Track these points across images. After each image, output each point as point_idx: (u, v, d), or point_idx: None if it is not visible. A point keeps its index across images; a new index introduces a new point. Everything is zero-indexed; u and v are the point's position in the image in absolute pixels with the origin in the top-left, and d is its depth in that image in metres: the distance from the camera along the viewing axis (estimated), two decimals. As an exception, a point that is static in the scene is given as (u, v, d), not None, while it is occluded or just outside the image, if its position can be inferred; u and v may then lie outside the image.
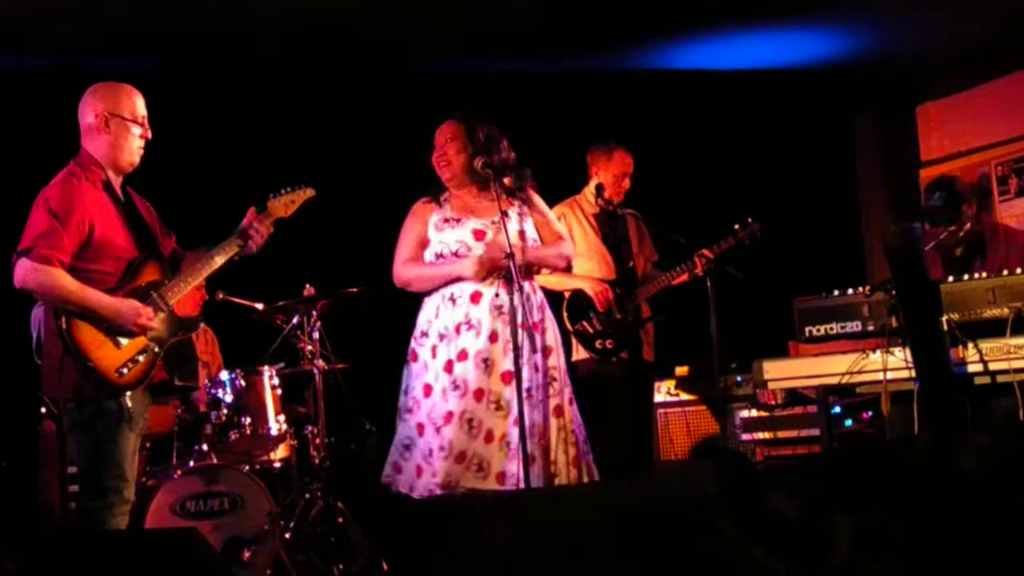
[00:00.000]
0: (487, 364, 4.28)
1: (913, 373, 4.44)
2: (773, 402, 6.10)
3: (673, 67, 7.18)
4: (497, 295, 4.32)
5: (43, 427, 5.37)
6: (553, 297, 5.59)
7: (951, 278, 4.56)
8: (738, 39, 6.81)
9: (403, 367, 4.50)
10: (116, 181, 3.88)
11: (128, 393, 3.71)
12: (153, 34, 6.06)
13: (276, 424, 5.12)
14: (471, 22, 6.22)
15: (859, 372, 4.65)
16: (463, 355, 4.31)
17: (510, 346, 4.19)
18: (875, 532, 2.02)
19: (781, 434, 6.02)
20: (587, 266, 5.64)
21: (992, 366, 4.36)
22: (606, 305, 5.51)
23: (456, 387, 4.28)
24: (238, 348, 5.75)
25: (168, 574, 2.62)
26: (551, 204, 5.76)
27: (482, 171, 4.40)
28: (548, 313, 4.52)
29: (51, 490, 5.31)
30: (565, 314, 5.58)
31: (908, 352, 4.46)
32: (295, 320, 5.22)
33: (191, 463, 4.89)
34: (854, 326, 4.72)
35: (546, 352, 4.38)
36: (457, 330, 4.34)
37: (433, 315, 4.41)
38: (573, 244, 5.68)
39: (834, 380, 4.75)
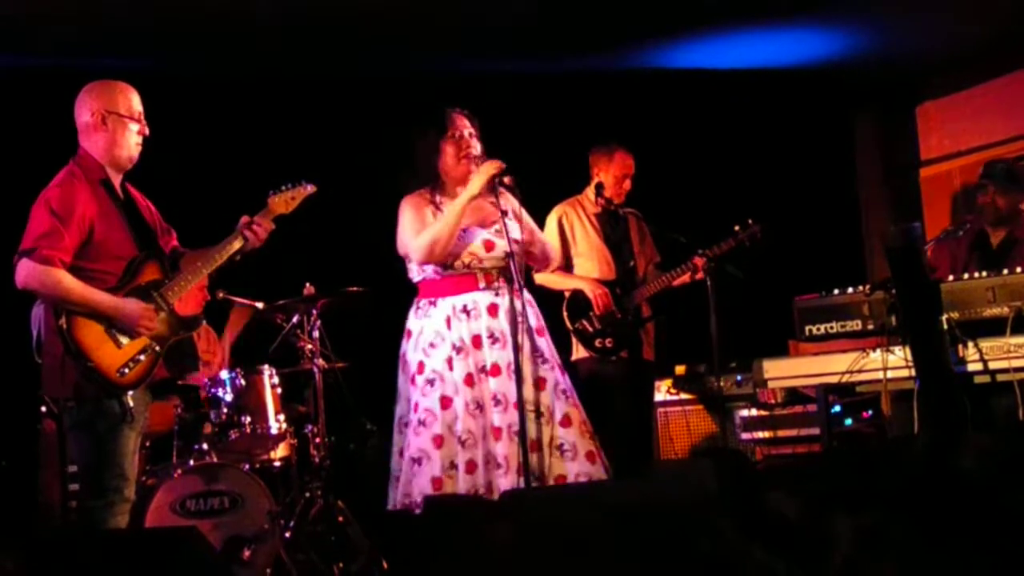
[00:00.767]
0: (520, 375, 4.23)
1: (913, 372, 4.45)
2: (773, 401, 6.10)
3: (673, 66, 7.17)
4: (511, 304, 4.25)
5: (43, 426, 5.37)
6: (553, 296, 5.61)
7: (965, 275, 4.55)
8: (738, 39, 6.80)
9: (401, 372, 4.40)
10: (116, 179, 3.88)
11: (129, 392, 3.71)
12: (153, 34, 6.05)
13: (276, 423, 5.13)
14: (471, 22, 6.21)
15: (859, 371, 4.65)
16: (495, 370, 4.24)
17: (534, 354, 4.21)
18: (875, 532, 2.02)
19: (781, 433, 6.01)
20: (588, 266, 5.65)
21: (992, 365, 4.36)
22: (604, 310, 5.51)
23: (497, 402, 4.21)
24: (238, 347, 5.76)
25: (168, 573, 2.62)
26: (551, 204, 5.80)
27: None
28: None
29: (51, 489, 5.31)
30: (565, 313, 5.59)
31: (908, 351, 4.46)
32: (295, 319, 5.22)
33: (191, 462, 4.90)
34: (854, 325, 4.73)
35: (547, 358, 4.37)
36: (476, 343, 4.26)
37: (444, 326, 4.28)
38: (575, 244, 5.71)
39: (834, 379, 4.76)
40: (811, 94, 7.55)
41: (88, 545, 2.79)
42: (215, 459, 4.95)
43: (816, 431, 5.50)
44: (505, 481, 4.14)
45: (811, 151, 7.66)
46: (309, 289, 5.14)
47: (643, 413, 5.92)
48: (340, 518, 4.90)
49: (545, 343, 4.37)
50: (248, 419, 5.05)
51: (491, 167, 4.27)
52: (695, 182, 7.17)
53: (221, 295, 5.39)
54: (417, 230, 4.33)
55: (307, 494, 4.99)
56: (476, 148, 4.40)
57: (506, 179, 4.29)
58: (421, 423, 4.22)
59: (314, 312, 5.16)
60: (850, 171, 8.18)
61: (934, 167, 7.89)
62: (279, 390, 5.20)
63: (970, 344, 4.39)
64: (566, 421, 4.28)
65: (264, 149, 6.34)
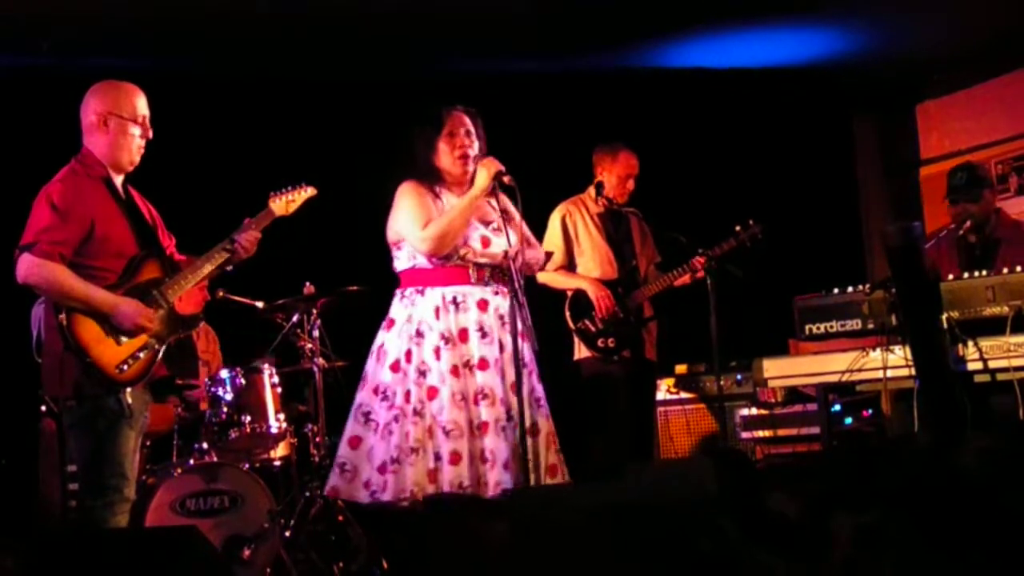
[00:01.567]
0: (504, 375, 4.24)
1: (913, 371, 4.44)
2: (773, 400, 6.10)
3: (673, 66, 7.17)
4: (511, 303, 4.21)
5: (43, 425, 5.37)
6: (555, 296, 5.61)
7: (965, 274, 4.55)
8: (738, 38, 6.81)
9: (377, 361, 4.32)
10: (117, 179, 3.88)
11: (128, 390, 3.71)
12: (153, 34, 6.05)
13: (276, 422, 5.12)
14: (471, 22, 6.21)
15: (859, 370, 4.65)
16: (483, 364, 4.24)
17: (511, 357, 4.19)
18: (875, 531, 2.02)
19: (781, 432, 6.01)
20: (591, 265, 5.65)
21: (992, 364, 4.35)
22: (606, 312, 5.50)
23: (484, 396, 4.20)
24: (238, 346, 5.75)
25: (168, 572, 2.62)
26: (552, 204, 5.80)
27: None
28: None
29: (51, 488, 5.31)
30: (567, 312, 5.58)
31: (908, 350, 4.46)
32: (295, 318, 5.22)
33: (191, 461, 4.90)
34: (854, 324, 4.72)
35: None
36: (463, 336, 4.25)
37: (431, 315, 4.25)
38: (578, 243, 5.70)
39: (834, 378, 4.75)
40: (811, 94, 7.55)
41: (88, 544, 2.79)
42: (215, 458, 4.95)
43: (816, 430, 5.49)
44: (493, 475, 4.14)
45: (811, 151, 7.66)
46: (309, 288, 5.14)
47: (645, 413, 5.91)
48: (340, 517, 4.90)
49: (527, 348, 4.30)
50: (248, 418, 5.04)
51: (494, 165, 4.27)
52: (695, 182, 7.17)
53: (221, 295, 5.39)
54: (421, 219, 4.28)
55: (307, 493, 4.99)
56: (474, 147, 4.38)
57: (506, 179, 4.29)
58: (416, 412, 4.20)
59: (314, 311, 5.16)
60: (850, 171, 8.18)
61: (934, 166, 7.88)
62: (279, 389, 5.20)
63: (970, 343, 4.39)
64: (534, 431, 4.27)
65: (264, 149, 6.34)
